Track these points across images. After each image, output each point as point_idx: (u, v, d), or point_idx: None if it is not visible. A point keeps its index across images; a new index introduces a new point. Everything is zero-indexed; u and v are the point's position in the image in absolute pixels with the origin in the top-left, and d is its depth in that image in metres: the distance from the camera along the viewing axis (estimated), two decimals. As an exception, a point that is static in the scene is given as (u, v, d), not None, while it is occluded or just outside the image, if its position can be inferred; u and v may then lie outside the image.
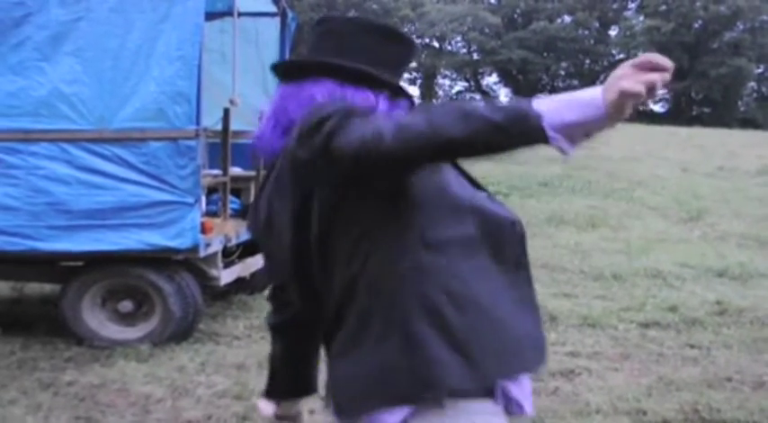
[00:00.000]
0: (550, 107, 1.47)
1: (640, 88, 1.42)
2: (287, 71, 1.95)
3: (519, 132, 1.49)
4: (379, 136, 1.55)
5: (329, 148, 1.62)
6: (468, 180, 1.92)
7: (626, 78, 1.43)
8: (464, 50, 63.29)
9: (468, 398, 1.74)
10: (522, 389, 1.86)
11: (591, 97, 1.47)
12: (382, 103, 1.85)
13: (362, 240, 1.76)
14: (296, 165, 1.77)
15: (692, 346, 6.09)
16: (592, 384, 5.14)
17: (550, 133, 1.46)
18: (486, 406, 1.76)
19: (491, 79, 62.99)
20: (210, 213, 6.48)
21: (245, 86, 7.02)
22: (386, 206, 1.75)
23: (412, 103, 1.93)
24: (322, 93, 1.82)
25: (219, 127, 6.54)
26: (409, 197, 1.75)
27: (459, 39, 64.17)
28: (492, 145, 1.53)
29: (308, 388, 2.22)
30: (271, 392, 2.22)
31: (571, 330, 6.39)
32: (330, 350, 1.93)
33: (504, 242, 1.85)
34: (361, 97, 1.82)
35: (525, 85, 60.44)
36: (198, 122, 5.60)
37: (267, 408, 2.24)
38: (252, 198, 7.17)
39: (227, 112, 6.50)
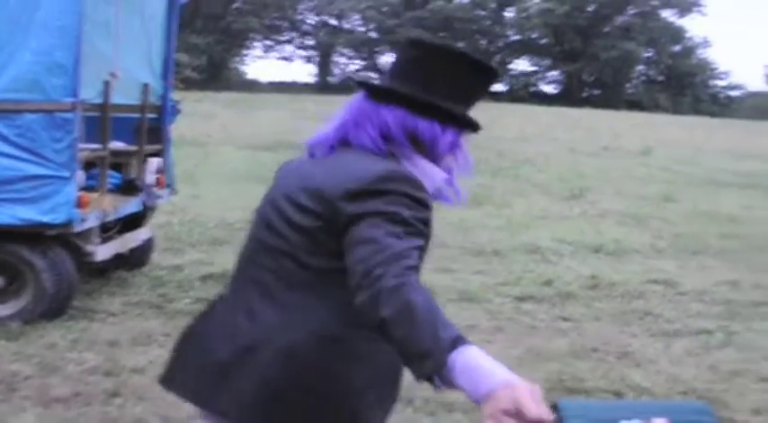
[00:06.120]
0: (460, 369, 1.57)
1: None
2: (370, 90, 2.09)
3: (424, 371, 1.62)
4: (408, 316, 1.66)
5: (370, 273, 1.72)
6: None
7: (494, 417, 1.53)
8: (362, 29, 63.26)
9: None
10: None
11: (486, 391, 1.54)
12: (449, 135, 2.04)
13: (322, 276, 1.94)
14: (327, 201, 1.90)
15: (563, 319, 6.32)
16: (464, 356, 5.27)
17: (438, 384, 1.61)
18: None
19: (388, 58, 63.12)
20: (90, 188, 6.36)
21: (128, 60, 6.89)
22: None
23: (475, 129, 2.11)
24: (394, 121, 2.00)
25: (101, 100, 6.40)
26: None
27: (357, 17, 64.11)
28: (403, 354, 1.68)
29: None
30: None
31: (448, 305, 6.51)
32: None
33: None
34: (428, 128, 2.01)
35: (422, 64, 60.62)
36: (76, 95, 5.49)
37: None
38: (133, 173, 7.12)
39: (107, 84, 6.38)
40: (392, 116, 2.01)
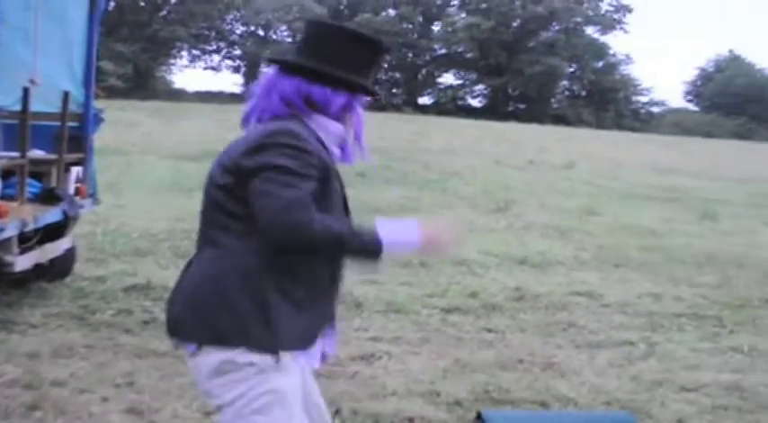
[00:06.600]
0: (388, 242, 2.32)
1: (433, 255, 2.54)
2: (278, 65, 2.53)
3: (363, 258, 2.39)
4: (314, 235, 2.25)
5: (273, 222, 2.23)
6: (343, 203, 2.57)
7: (428, 247, 2.41)
8: (289, 40, 63.11)
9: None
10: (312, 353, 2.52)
11: (417, 241, 2.37)
12: (341, 98, 2.46)
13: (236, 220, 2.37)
14: (234, 161, 2.34)
15: (489, 331, 6.35)
16: (391, 368, 5.28)
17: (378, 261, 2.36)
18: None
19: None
20: (9, 197, 6.19)
21: (49, 66, 6.73)
22: None
23: (372, 95, 2.56)
24: (291, 88, 2.43)
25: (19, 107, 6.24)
26: None
27: (284, 28, 64.00)
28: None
29: None
30: None
31: (375, 316, 6.52)
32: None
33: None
34: (320, 92, 2.44)
35: (350, 76, 60.75)
36: (-7, 102, 5.34)
37: None
38: (54, 182, 6.95)
39: (26, 91, 6.23)
40: (289, 84, 2.44)
